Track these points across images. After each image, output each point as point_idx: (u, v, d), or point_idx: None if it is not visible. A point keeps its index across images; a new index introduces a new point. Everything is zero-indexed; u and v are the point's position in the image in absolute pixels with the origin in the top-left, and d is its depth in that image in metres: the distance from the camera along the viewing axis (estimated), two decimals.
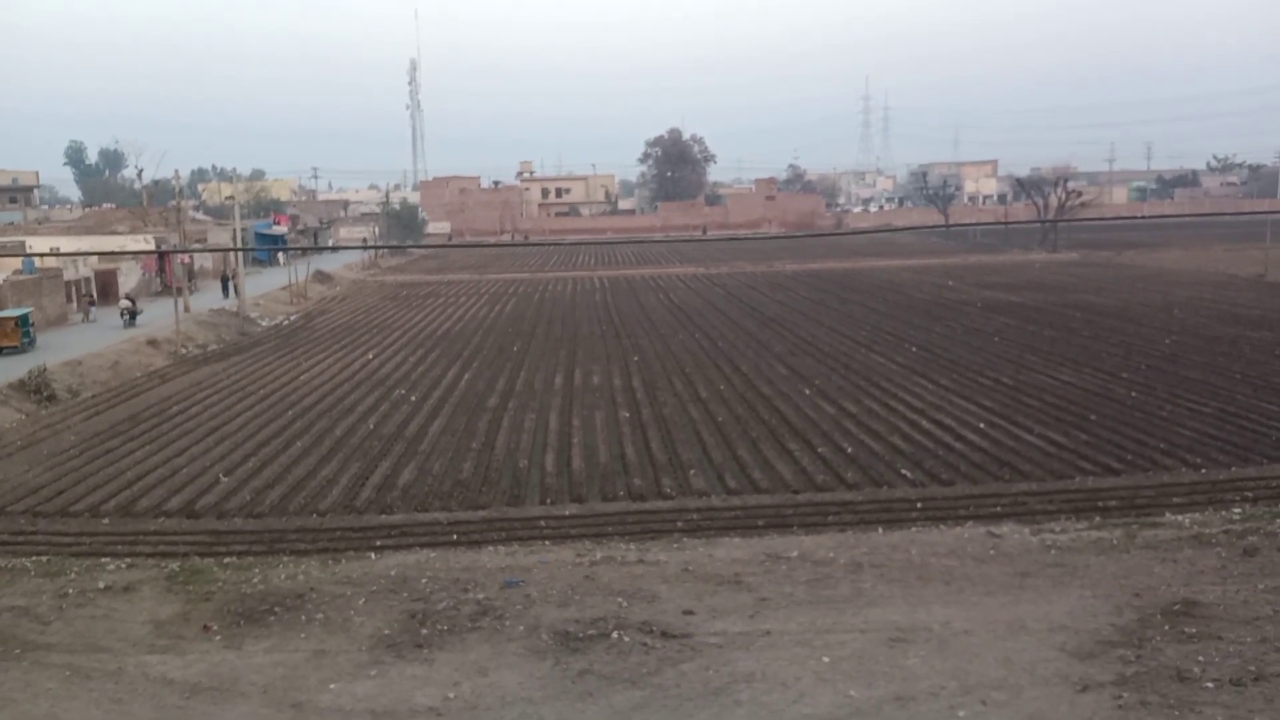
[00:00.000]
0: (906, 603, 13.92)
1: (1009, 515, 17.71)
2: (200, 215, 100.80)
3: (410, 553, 16.71)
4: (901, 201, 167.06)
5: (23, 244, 60.26)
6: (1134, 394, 26.72)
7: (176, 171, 60.15)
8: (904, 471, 20.39)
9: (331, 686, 11.97)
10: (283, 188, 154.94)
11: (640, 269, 76.08)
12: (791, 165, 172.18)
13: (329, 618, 14.00)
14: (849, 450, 21.94)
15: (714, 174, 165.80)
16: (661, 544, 16.81)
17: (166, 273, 56.51)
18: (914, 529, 17.23)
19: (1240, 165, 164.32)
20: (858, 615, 13.55)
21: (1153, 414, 24.40)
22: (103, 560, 16.79)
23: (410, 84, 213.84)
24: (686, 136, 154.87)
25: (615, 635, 13.03)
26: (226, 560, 16.68)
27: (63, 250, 54.11)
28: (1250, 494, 18.53)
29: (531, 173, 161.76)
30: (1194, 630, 12.56)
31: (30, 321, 38.39)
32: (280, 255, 74.66)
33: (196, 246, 63.30)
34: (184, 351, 39.19)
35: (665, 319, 45.54)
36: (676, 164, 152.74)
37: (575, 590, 14.69)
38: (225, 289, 56.45)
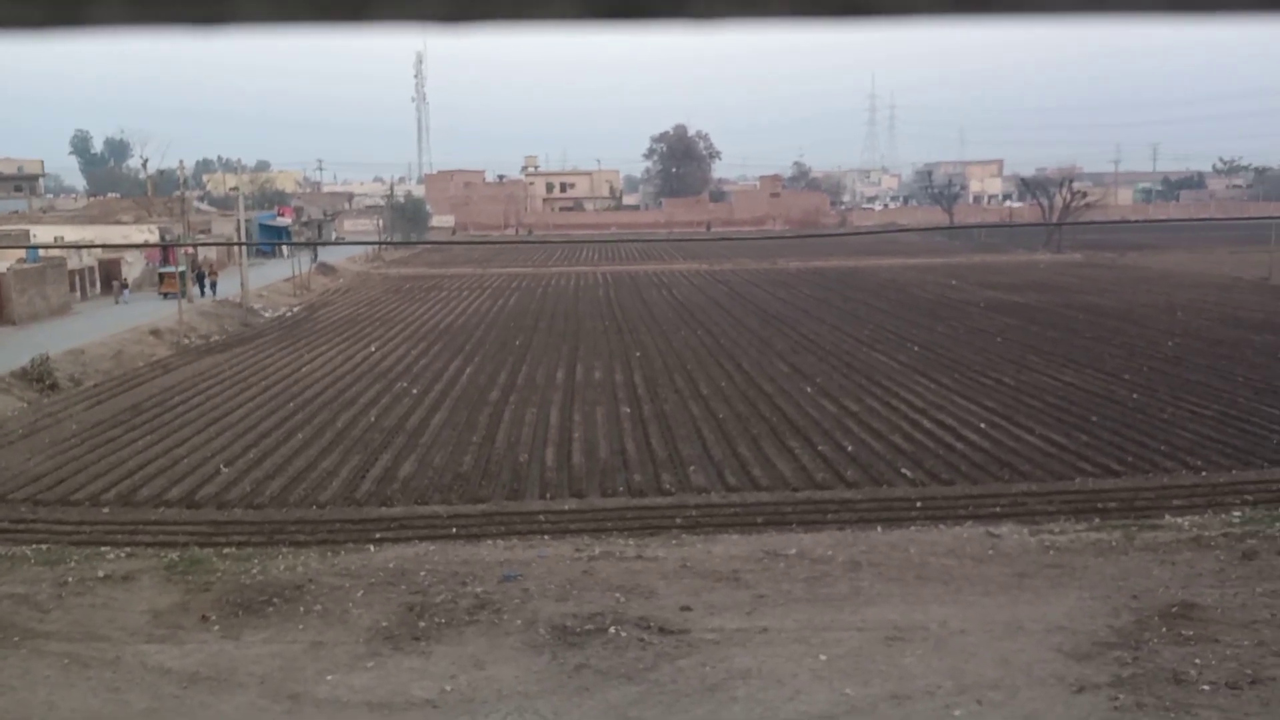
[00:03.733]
0: (904, 602, 13.93)
1: (1008, 515, 17.70)
2: (205, 206, 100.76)
3: (409, 545, 16.73)
4: (906, 200, 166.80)
5: (27, 233, 60.30)
6: (1135, 396, 26.69)
7: (181, 162, 60.48)
8: (904, 470, 20.38)
9: (329, 678, 12.02)
10: (288, 179, 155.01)
11: (644, 265, 76.01)
12: (797, 162, 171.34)
13: (327, 609, 14.04)
14: (849, 448, 21.93)
15: (719, 170, 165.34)
16: (660, 540, 16.82)
17: (171, 264, 56.59)
18: (913, 528, 17.23)
19: (1246, 168, 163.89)
20: (855, 614, 13.57)
21: (1154, 416, 24.38)
22: (102, 549, 16.82)
23: (416, 77, 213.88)
24: (692, 133, 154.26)
25: (612, 630, 13.06)
26: (226, 551, 16.71)
27: (67, 240, 54.16)
28: (1250, 497, 18.48)
29: (536, 167, 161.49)
30: (1191, 633, 12.57)
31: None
32: (284, 247, 74.61)
33: (201, 238, 63.35)
34: (187, 342, 39.24)
35: (668, 315, 45.52)
36: (681, 160, 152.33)
37: (573, 585, 14.71)
38: (203, 287, 50.12)
